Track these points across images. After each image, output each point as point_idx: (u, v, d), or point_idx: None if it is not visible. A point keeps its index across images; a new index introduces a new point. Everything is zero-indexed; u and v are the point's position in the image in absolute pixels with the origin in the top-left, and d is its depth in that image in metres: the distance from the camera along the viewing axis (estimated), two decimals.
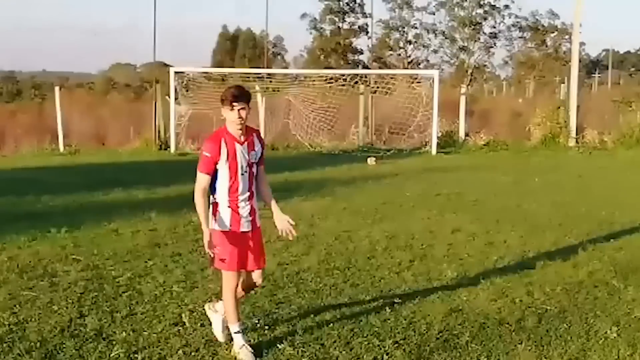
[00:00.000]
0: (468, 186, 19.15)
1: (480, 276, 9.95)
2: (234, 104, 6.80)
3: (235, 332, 7.09)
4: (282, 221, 7.28)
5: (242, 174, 6.99)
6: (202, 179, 6.99)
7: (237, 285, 7.14)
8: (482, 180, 20.42)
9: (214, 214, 7.10)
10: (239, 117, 6.84)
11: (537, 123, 33.65)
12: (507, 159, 27.98)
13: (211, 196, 7.12)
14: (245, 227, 7.09)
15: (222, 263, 7.01)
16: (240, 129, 6.96)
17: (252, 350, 6.98)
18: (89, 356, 6.92)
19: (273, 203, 7.38)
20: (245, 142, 7.01)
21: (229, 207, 7.02)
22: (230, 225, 7.03)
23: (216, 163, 6.91)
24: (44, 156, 29.85)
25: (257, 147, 7.15)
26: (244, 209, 7.07)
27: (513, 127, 35.19)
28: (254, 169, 7.14)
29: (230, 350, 7.06)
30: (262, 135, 24.86)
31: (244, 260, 7.09)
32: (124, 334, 7.55)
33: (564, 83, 38.70)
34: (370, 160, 25.75)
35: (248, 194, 7.09)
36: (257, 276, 7.28)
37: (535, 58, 77.34)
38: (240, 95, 6.85)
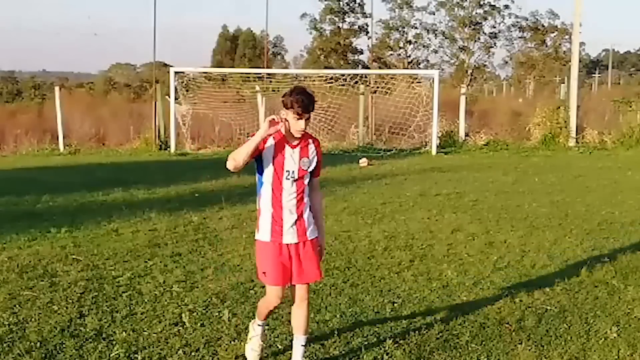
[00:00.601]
0: (468, 186, 19.15)
1: (480, 276, 9.97)
2: (304, 114, 6.30)
3: (258, 324, 6.96)
4: (321, 245, 6.76)
5: (287, 179, 6.41)
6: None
7: (278, 300, 6.59)
8: (482, 180, 20.41)
9: (257, 222, 6.60)
10: (300, 127, 6.34)
11: (537, 123, 33.65)
12: (507, 159, 27.96)
13: (257, 203, 6.68)
14: (288, 238, 6.46)
15: (264, 276, 6.55)
16: (295, 134, 6.43)
17: (262, 344, 6.99)
18: (89, 356, 6.92)
19: (318, 217, 6.75)
20: (298, 147, 6.47)
21: (271, 215, 6.46)
22: (271, 236, 6.47)
23: (261, 151, 6.37)
24: (44, 156, 29.87)
25: (312, 155, 6.54)
26: (288, 219, 6.45)
27: (513, 127, 35.17)
28: (305, 180, 6.54)
29: (229, 351, 7.06)
30: None
31: (288, 274, 6.49)
32: (124, 334, 7.56)
33: (564, 83, 38.77)
34: (362, 162, 25.66)
35: (295, 202, 6.46)
36: (300, 290, 6.60)
37: (535, 58, 77.31)
38: (310, 105, 6.32)
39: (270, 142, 6.40)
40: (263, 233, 6.50)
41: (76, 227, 13.04)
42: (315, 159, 6.58)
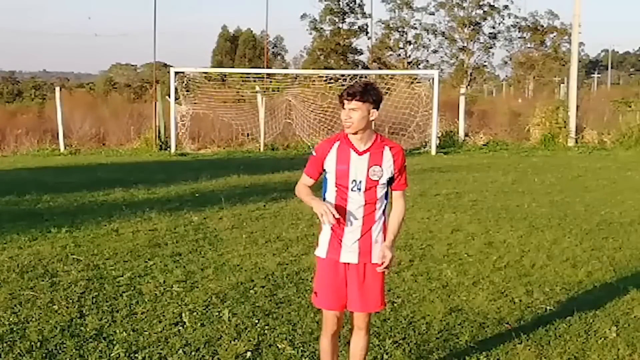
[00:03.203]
0: (467, 186, 19.15)
1: (479, 276, 9.97)
2: (344, 100, 5.58)
3: None
4: (384, 251, 5.70)
5: (353, 190, 5.64)
6: (304, 180, 5.88)
7: (337, 328, 5.93)
8: (481, 180, 20.41)
9: (319, 234, 5.90)
10: (347, 118, 5.56)
11: (537, 123, 33.70)
12: (506, 159, 27.97)
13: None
14: (346, 257, 5.72)
15: (315, 297, 5.91)
16: (355, 134, 5.63)
17: None
18: (89, 356, 6.92)
19: (390, 231, 5.80)
20: (367, 154, 5.65)
21: (331, 228, 5.72)
22: (328, 252, 5.78)
23: (323, 167, 5.73)
24: (44, 156, 29.86)
25: (386, 164, 5.68)
26: (351, 235, 5.70)
27: (512, 127, 35.23)
28: (379, 192, 5.70)
29: (229, 350, 7.06)
30: (262, 135, 24.44)
31: (344, 298, 5.79)
32: (124, 333, 7.56)
33: (563, 83, 38.76)
34: None
35: (361, 217, 5.69)
36: (357, 319, 5.91)
37: (535, 58, 77.46)
38: (353, 92, 5.53)
39: (334, 150, 5.69)
40: (321, 248, 5.84)
41: (77, 227, 13.04)
42: (392, 168, 5.70)
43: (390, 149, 5.69)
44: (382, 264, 5.64)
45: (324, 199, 5.77)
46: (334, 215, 5.48)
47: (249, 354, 7.00)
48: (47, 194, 16.92)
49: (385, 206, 5.79)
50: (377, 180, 5.64)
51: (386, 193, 5.77)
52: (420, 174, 22.01)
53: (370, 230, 5.71)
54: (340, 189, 5.67)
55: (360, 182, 5.62)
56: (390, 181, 5.75)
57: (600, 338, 7.56)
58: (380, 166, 5.63)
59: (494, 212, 14.95)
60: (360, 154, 5.63)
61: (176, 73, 31.42)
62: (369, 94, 5.53)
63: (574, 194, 17.60)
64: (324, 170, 5.74)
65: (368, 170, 5.62)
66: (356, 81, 6.07)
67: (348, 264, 5.72)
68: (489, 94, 71.03)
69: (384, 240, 5.74)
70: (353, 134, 5.61)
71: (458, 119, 33.72)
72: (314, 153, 5.76)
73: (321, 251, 5.81)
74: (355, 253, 5.70)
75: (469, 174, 22.12)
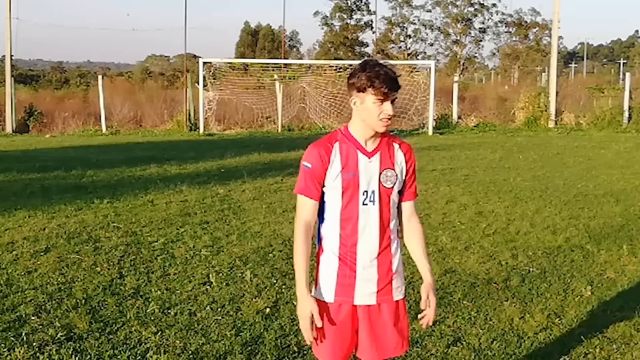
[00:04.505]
0: (460, 162, 19.08)
1: (470, 241, 9.91)
2: (390, 92, 3.72)
3: None
4: (428, 303, 3.93)
5: (365, 204, 3.80)
6: (302, 206, 3.86)
7: None
8: (472, 157, 20.32)
9: (316, 273, 3.97)
10: (389, 114, 3.75)
11: (521, 107, 33.65)
12: (494, 138, 27.86)
13: (315, 248, 3.99)
14: (363, 298, 3.87)
15: (314, 344, 3.95)
16: (375, 133, 3.81)
17: None
18: (128, 311, 6.90)
19: (423, 259, 4.01)
20: (377, 154, 3.84)
21: (337, 262, 3.87)
22: (336, 294, 3.87)
23: (322, 181, 3.81)
24: (88, 136, 29.89)
25: (398, 167, 3.89)
26: (366, 268, 3.85)
27: (500, 111, 35.20)
28: (392, 204, 3.91)
29: (251, 307, 7.04)
30: (279, 117, 24.20)
31: (351, 345, 3.97)
32: (158, 292, 7.54)
33: (544, 72, 38.66)
34: None
35: (377, 242, 3.85)
36: None
37: (519, 50, 77.43)
38: (396, 80, 3.76)
39: (336, 154, 3.80)
40: (325, 290, 3.89)
41: (117, 199, 13.02)
42: (405, 172, 3.94)
43: (400, 147, 3.94)
44: (424, 315, 3.96)
45: (319, 234, 3.99)
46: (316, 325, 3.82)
47: (268, 310, 6.97)
48: (91, 169, 16.93)
49: (396, 224, 4.02)
50: (391, 188, 3.86)
51: (398, 205, 4.00)
52: (419, 152, 21.82)
53: (390, 257, 3.93)
54: (349, 207, 3.82)
55: (373, 192, 3.81)
56: (402, 189, 3.98)
57: (577, 296, 7.51)
58: (394, 169, 3.87)
59: (484, 185, 14.88)
60: (369, 155, 3.82)
61: (204, 63, 31.38)
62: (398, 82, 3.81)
63: (553, 170, 17.50)
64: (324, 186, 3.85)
65: (380, 176, 3.83)
66: (375, 64, 3.72)
67: (362, 306, 3.90)
68: (479, 82, 70.65)
69: (402, 266, 4.03)
70: (375, 131, 3.81)
71: (452, 104, 33.74)
72: (306, 165, 3.82)
73: (327, 294, 3.90)
74: (372, 292, 3.88)
75: (461, 151, 22.04)
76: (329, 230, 3.90)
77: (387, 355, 3.95)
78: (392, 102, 3.75)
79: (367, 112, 3.73)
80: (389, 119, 3.75)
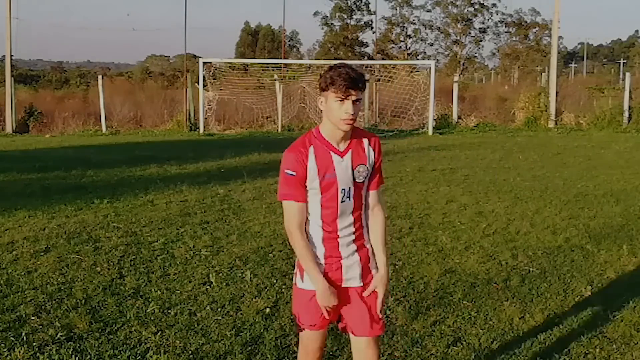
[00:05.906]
0: (460, 162, 19.08)
1: (470, 241, 9.92)
2: (349, 90, 3.89)
3: None
4: (379, 286, 4.22)
5: (343, 201, 4.08)
6: (290, 210, 4.08)
7: (318, 353, 4.34)
8: (472, 158, 20.32)
9: (298, 267, 4.26)
10: (349, 114, 3.93)
11: (521, 107, 33.60)
12: (494, 138, 27.85)
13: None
14: (350, 280, 4.19)
15: (298, 320, 4.29)
16: (345, 132, 4.04)
17: None
18: (128, 311, 6.91)
19: (380, 250, 4.26)
20: (349, 152, 4.10)
21: (324, 255, 4.14)
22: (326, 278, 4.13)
23: (305, 183, 4.04)
24: (88, 136, 29.88)
25: (369, 159, 4.16)
26: (349, 256, 4.16)
27: (500, 111, 35.17)
28: (363, 193, 4.19)
29: (250, 307, 7.04)
30: (279, 117, 24.25)
31: (333, 315, 4.24)
32: (158, 292, 7.54)
33: (544, 72, 38.62)
34: None
35: (353, 229, 4.17)
36: (366, 345, 4.24)
37: (519, 50, 77.43)
38: (359, 80, 3.91)
39: (312, 158, 4.02)
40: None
41: (117, 199, 13.03)
42: (373, 164, 4.20)
43: (369, 142, 4.18)
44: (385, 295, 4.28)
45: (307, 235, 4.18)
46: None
47: (268, 310, 6.97)
48: (91, 169, 16.93)
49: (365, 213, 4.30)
50: (363, 182, 4.15)
51: (366, 193, 4.25)
52: (419, 151, 21.98)
53: (364, 241, 4.24)
54: (327, 204, 4.08)
55: (349, 189, 4.09)
56: (369, 179, 4.22)
57: (577, 296, 7.51)
58: (366, 164, 4.13)
59: (484, 185, 14.88)
60: (342, 155, 4.07)
61: (204, 63, 31.36)
62: (364, 80, 4.00)
63: (553, 170, 17.51)
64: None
65: (354, 172, 4.09)
66: (340, 66, 3.97)
67: (351, 287, 4.21)
68: (479, 82, 70.65)
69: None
70: (344, 131, 4.03)
71: (452, 104, 33.67)
72: (290, 173, 4.01)
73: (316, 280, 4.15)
74: (357, 274, 4.21)
75: (461, 152, 22.04)
76: (311, 228, 4.16)
77: (373, 332, 4.22)
78: (356, 102, 3.94)
79: (330, 111, 3.99)
80: (352, 119, 3.96)
